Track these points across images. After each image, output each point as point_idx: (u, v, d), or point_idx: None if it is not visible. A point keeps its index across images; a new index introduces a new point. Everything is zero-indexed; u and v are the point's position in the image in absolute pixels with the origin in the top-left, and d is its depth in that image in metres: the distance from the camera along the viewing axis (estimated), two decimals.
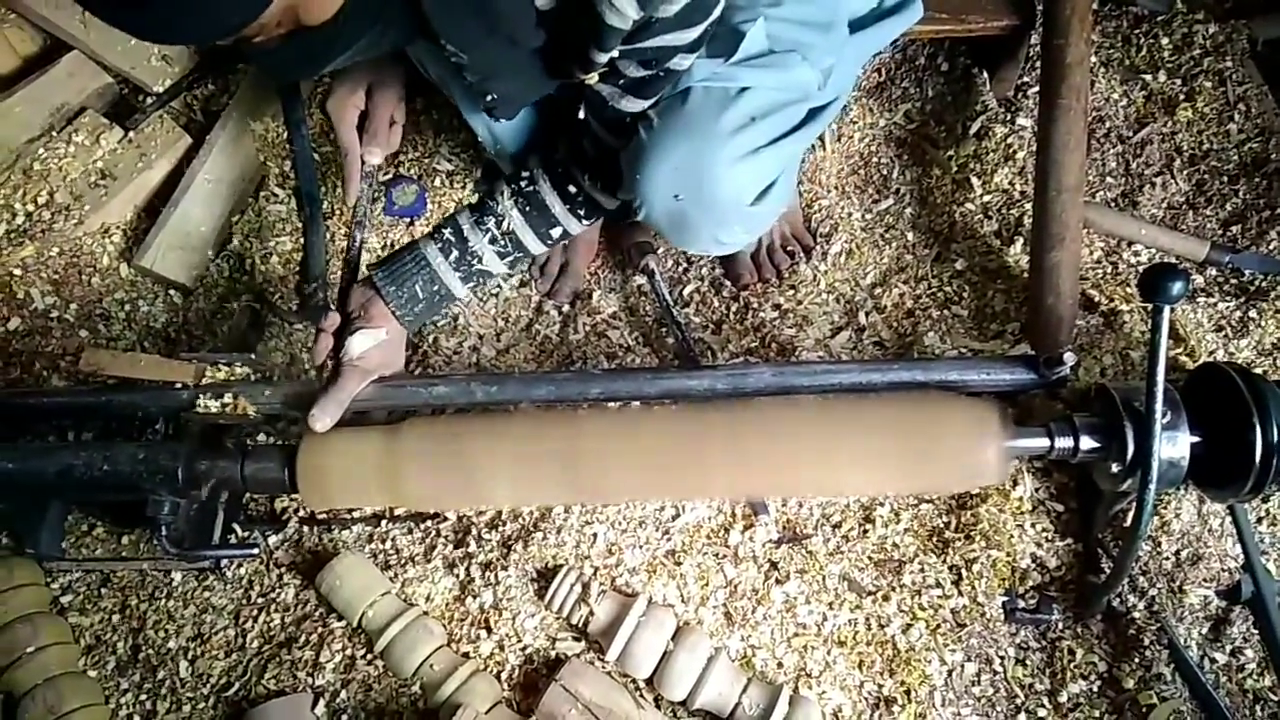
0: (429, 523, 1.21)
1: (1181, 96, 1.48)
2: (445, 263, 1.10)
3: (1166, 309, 0.94)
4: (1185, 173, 1.45)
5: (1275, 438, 0.95)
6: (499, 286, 1.43)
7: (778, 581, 1.14)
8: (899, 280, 1.38)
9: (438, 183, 1.51)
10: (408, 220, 1.48)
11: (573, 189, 1.09)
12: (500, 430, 1.06)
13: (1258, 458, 0.95)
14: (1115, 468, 0.99)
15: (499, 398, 1.10)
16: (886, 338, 1.34)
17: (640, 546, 1.17)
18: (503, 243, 1.10)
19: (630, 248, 1.43)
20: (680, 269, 1.45)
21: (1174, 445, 0.97)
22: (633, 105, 0.99)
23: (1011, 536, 1.13)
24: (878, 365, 1.08)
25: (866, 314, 1.36)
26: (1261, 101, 1.47)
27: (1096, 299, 1.31)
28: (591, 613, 1.09)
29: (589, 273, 1.45)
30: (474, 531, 1.19)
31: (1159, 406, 0.94)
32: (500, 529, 1.18)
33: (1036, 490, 1.16)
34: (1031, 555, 1.14)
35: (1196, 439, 0.99)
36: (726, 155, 0.96)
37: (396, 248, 1.45)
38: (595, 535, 1.17)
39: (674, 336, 1.34)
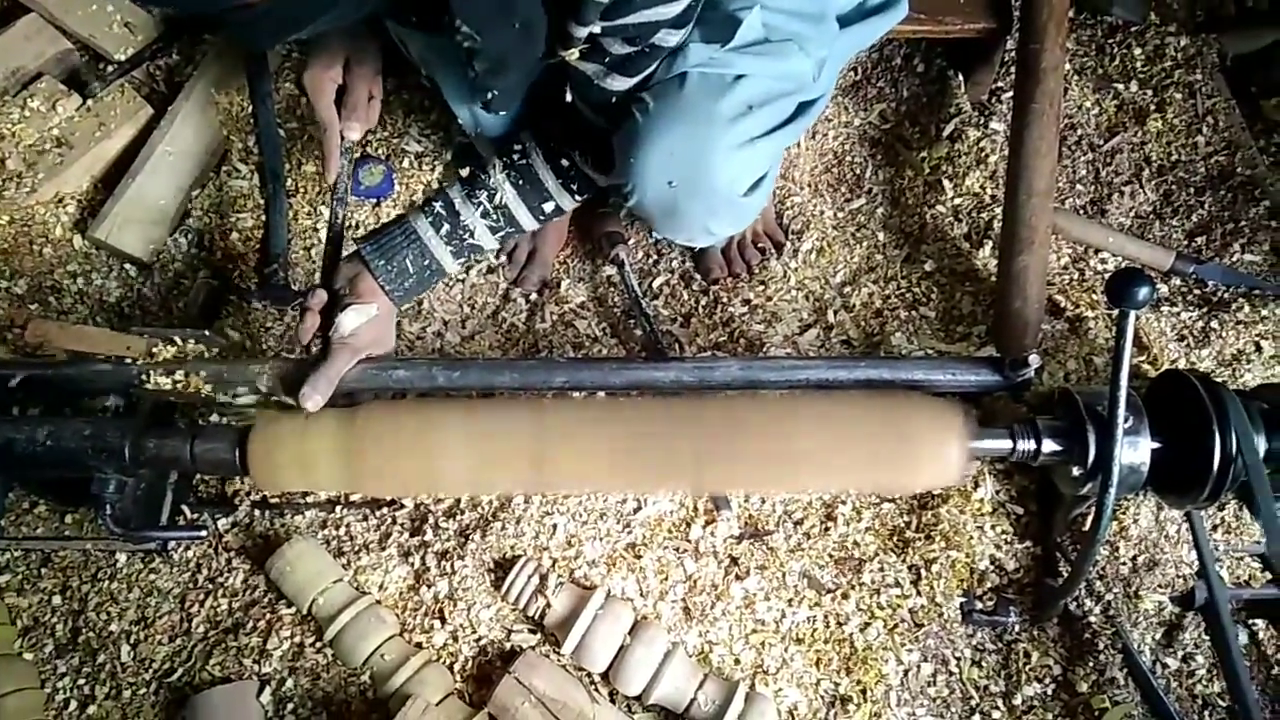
0: (385, 510, 1.18)
1: (1152, 107, 1.50)
2: (436, 236, 1.07)
3: (1132, 314, 0.94)
4: (1153, 183, 1.46)
5: (1233, 446, 0.95)
6: (487, 262, 1.41)
7: (737, 577, 1.13)
8: (868, 280, 1.38)
9: (406, 164, 1.48)
10: (374, 201, 1.45)
11: (565, 163, 1.07)
12: (460, 416, 1.03)
13: (1215, 465, 0.96)
14: (1076, 471, 1.00)
15: (461, 383, 1.08)
16: (854, 336, 1.33)
17: (600, 539, 1.15)
18: (495, 217, 1.08)
19: (601, 237, 1.41)
20: (650, 261, 1.44)
21: (1135, 451, 0.97)
22: (619, 84, 0.97)
23: (971, 538, 1.13)
24: (844, 362, 1.08)
25: (835, 312, 1.35)
26: (1229, 115, 1.49)
27: (1063, 304, 1.32)
28: (548, 605, 1.08)
29: (558, 262, 1.43)
30: (431, 520, 1.16)
31: (1121, 411, 0.94)
32: (458, 518, 1.16)
33: (997, 492, 1.16)
34: (990, 557, 1.14)
35: (1157, 445, 1.00)
36: (725, 142, 0.95)
37: (382, 223, 1.44)
38: (555, 526, 1.15)
39: (642, 328, 1.32)
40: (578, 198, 1.11)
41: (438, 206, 1.08)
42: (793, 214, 1.44)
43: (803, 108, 1.02)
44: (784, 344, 1.33)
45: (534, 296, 1.41)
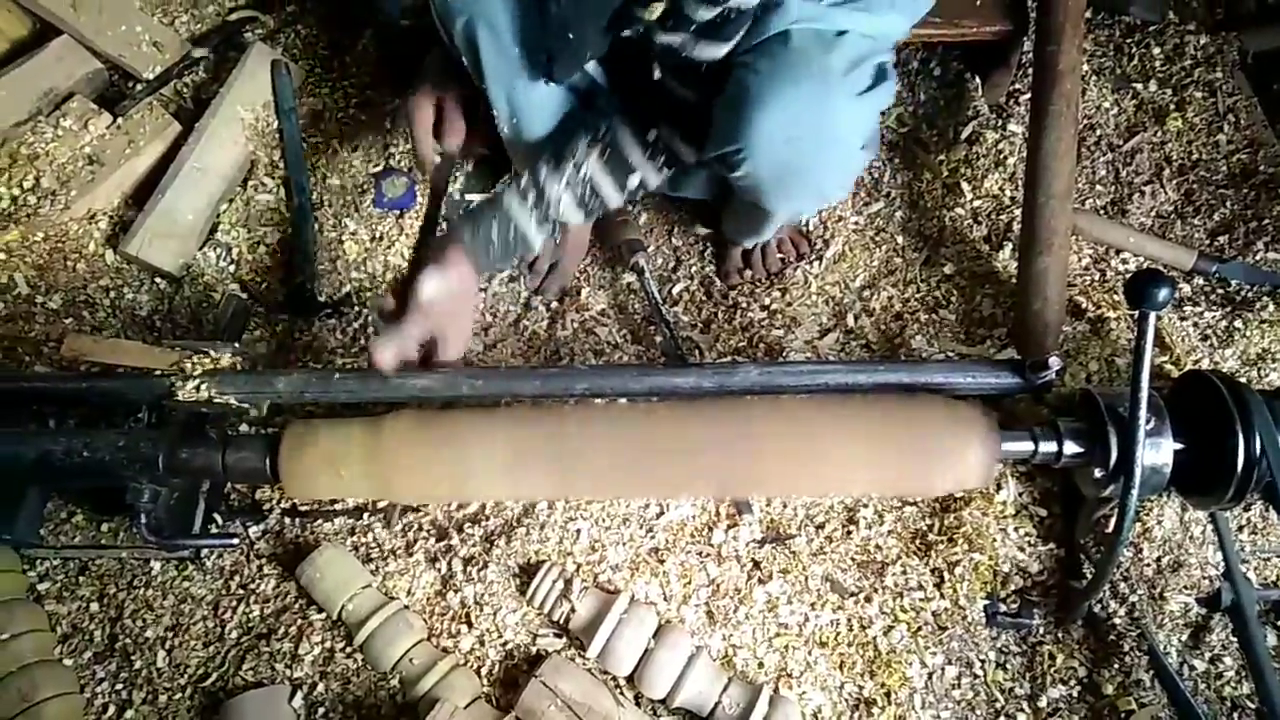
0: (411, 516, 1.20)
1: (1172, 106, 1.49)
2: (523, 208, 1.08)
3: (1152, 315, 0.94)
4: (1174, 182, 1.46)
5: (1257, 446, 0.95)
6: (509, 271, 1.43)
7: (760, 581, 1.14)
8: (888, 283, 1.38)
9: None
10: (397, 212, 1.48)
11: (652, 137, 1.07)
12: (487, 424, 1.05)
13: (1239, 466, 0.95)
14: (1098, 473, 1.00)
15: (485, 391, 1.10)
16: (874, 340, 1.34)
17: (623, 544, 1.16)
18: (580, 190, 1.08)
19: (620, 245, 1.43)
20: (670, 267, 1.45)
21: (1157, 452, 0.97)
22: (710, 51, 0.97)
23: (994, 540, 1.14)
24: (864, 366, 1.08)
25: (855, 316, 1.36)
26: (1250, 113, 1.48)
27: (1084, 305, 1.32)
28: (573, 609, 1.09)
29: (579, 270, 1.45)
30: (456, 526, 1.18)
31: (1143, 413, 0.94)
32: (483, 524, 1.18)
33: (1020, 495, 1.16)
34: (1013, 559, 1.14)
35: (1180, 446, 0.99)
36: (843, 92, 0.95)
37: (383, 238, 1.46)
38: (578, 532, 1.16)
39: (662, 334, 1.34)
40: (662, 173, 1.11)
41: (524, 181, 1.09)
42: (814, 220, 1.45)
43: (883, 70, 1.01)
44: (804, 349, 1.33)
45: (555, 305, 1.42)
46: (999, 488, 1.15)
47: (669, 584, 1.14)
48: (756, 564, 1.15)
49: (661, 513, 1.18)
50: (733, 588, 1.14)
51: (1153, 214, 1.44)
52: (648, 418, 1.05)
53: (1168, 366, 1.26)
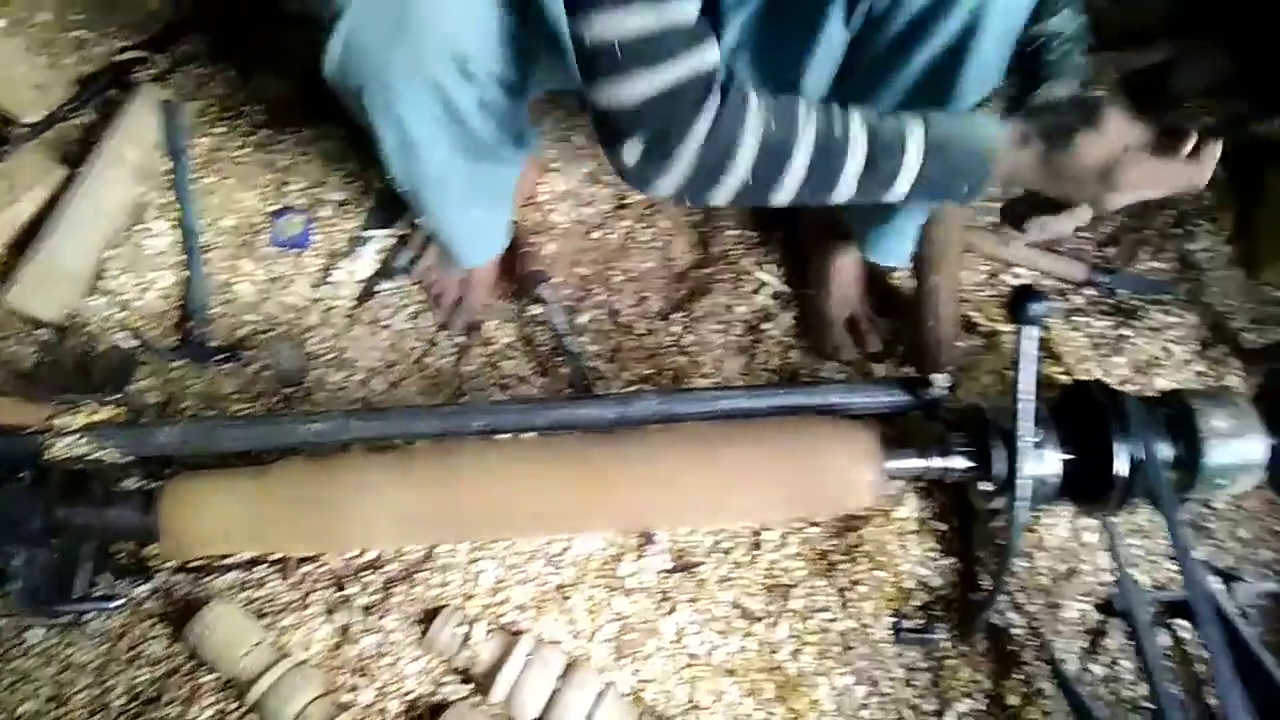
0: (308, 566, 1.16)
1: None
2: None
3: (1029, 328, 0.96)
4: None
5: (1138, 454, 0.97)
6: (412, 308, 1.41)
7: (669, 612, 1.13)
8: (792, 306, 1.40)
9: (328, 212, 1.48)
10: (295, 251, 1.45)
11: None
12: (377, 469, 1.02)
13: (1121, 473, 0.98)
14: (986, 487, 1.01)
15: (379, 433, 1.07)
16: (779, 365, 1.35)
17: (529, 582, 1.14)
18: None
19: (525, 276, 1.42)
20: (577, 297, 1.44)
21: (1042, 463, 0.99)
22: None
23: (896, 557, 1.14)
24: (761, 391, 1.08)
25: (759, 340, 1.37)
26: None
27: (978, 321, 1.35)
28: (476, 654, 1.06)
29: (486, 303, 1.43)
30: (355, 573, 1.15)
31: (1024, 425, 0.96)
32: (382, 570, 1.15)
33: (921, 510, 1.17)
34: (917, 575, 1.15)
35: (1068, 456, 1.02)
36: None
37: (279, 278, 1.43)
38: (482, 573, 1.14)
39: (569, 366, 1.33)
40: None
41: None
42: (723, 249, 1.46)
43: None
44: (712, 374, 1.34)
45: (461, 339, 1.41)
46: (899, 504, 1.16)
47: (576, 621, 1.12)
48: (665, 595, 1.14)
49: (567, 548, 1.17)
50: (641, 620, 1.13)
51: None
52: (546, 453, 1.04)
53: (1061, 376, 1.29)
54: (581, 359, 1.34)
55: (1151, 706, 1.07)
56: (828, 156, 0.84)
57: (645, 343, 1.38)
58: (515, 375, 1.35)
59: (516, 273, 1.43)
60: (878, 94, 1.00)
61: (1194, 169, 0.84)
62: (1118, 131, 0.84)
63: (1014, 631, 1.09)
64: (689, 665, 1.11)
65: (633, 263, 1.48)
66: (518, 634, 1.09)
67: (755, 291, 1.42)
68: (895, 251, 1.27)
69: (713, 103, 0.81)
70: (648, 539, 1.16)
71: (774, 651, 1.11)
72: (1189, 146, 0.83)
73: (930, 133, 0.85)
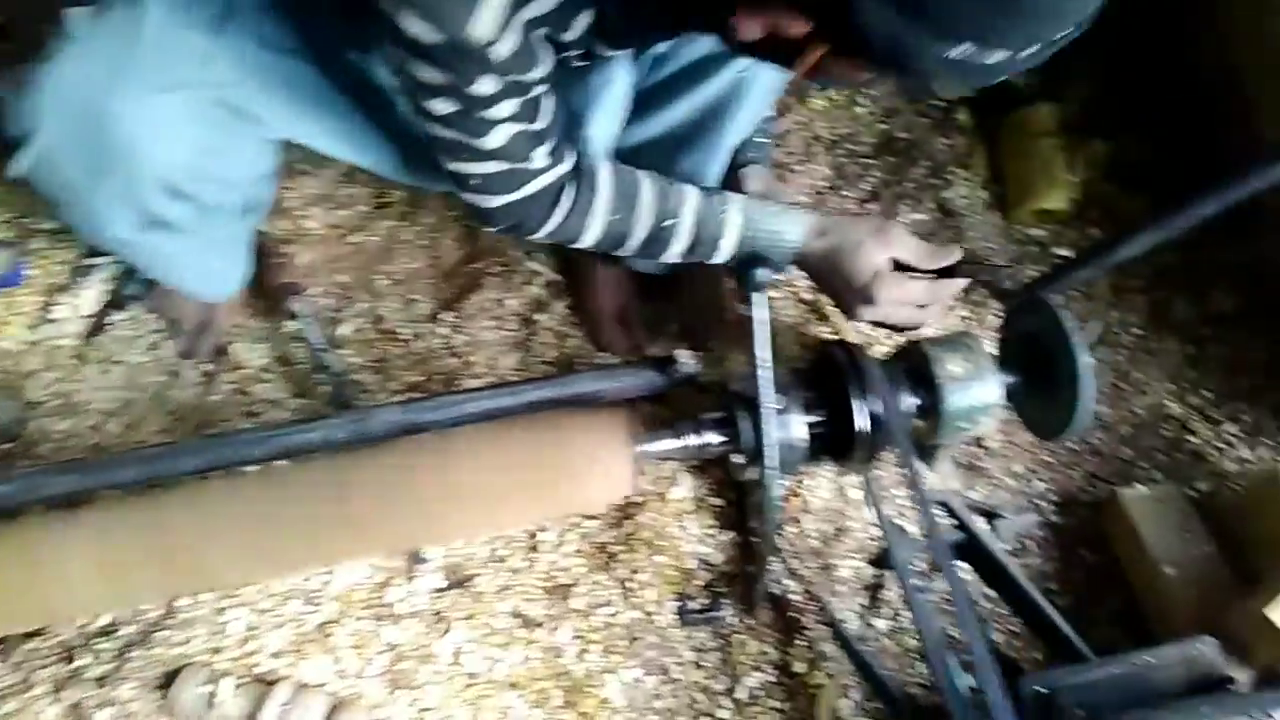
0: (34, 642, 1.03)
1: (815, 86, 1.55)
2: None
3: (757, 296, 0.94)
4: (825, 157, 1.52)
5: (878, 408, 0.98)
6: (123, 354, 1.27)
7: (444, 633, 1.06)
8: (562, 301, 1.34)
9: (41, 244, 1.33)
10: (4, 290, 1.29)
11: None
12: (75, 528, 0.91)
13: (863, 429, 0.98)
14: (739, 459, 0.99)
15: (79, 487, 0.95)
16: (554, 358, 1.30)
17: (286, 625, 1.05)
18: None
19: (276, 289, 1.31)
20: (336, 308, 1.35)
21: (789, 429, 0.98)
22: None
23: (676, 539, 1.12)
24: (509, 389, 1.03)
25: (535, 334, 1.31)
26: (882, 83, 1.57)
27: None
28: (225, 713, 0.96)
29: (235, 324, 1.32)
30: (85, 641, 1.02)
31: (765, 392, 0.94)
32: (117, 635, 1.03)
33: (696, 488, 1.15)
34: (698, 554, 1.13)
35: (815, 418, 1.01)
36: None
37: None
38: (230, 622, 1.04)
39: (329, 384, 1.24)
40: None
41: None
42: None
43: None
44: (487, 374, 1.28)
45: (208, 367, 1.29)
46: (673, 485, 1.13)
47: (342, 659, 1.04)
48: (439, 615, 1.07)
49: (328, 581, 1.08)
50: (414, 647, 1.06)
51: (810, 190, 1.49)
52: (264, 487, 0.95)
53: (832, 337, 1.30)
54: (343, 374, 1.25)
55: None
56: (657, 244, 0.98)
57: (414, 349, 1.30)
58: (268, 400, 1.25)
59: (267, 287, 1.32)
60: (653, 128, 1.10)
61: (931, 312, 1.00)
62: (898, 249, 0.98)
63: (792, 598, 1.09)
64: (470, 685, 1.05)
65: (397, 264, 1.39)
66: (274, 683, 1.00)
67: (527, 282, 1.36)
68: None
69: (565, 203, 0.93)
70: (417, 559, 1.09)
71: (558, 656, 1.07)
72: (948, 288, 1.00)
73: (746, 225, 0.98)
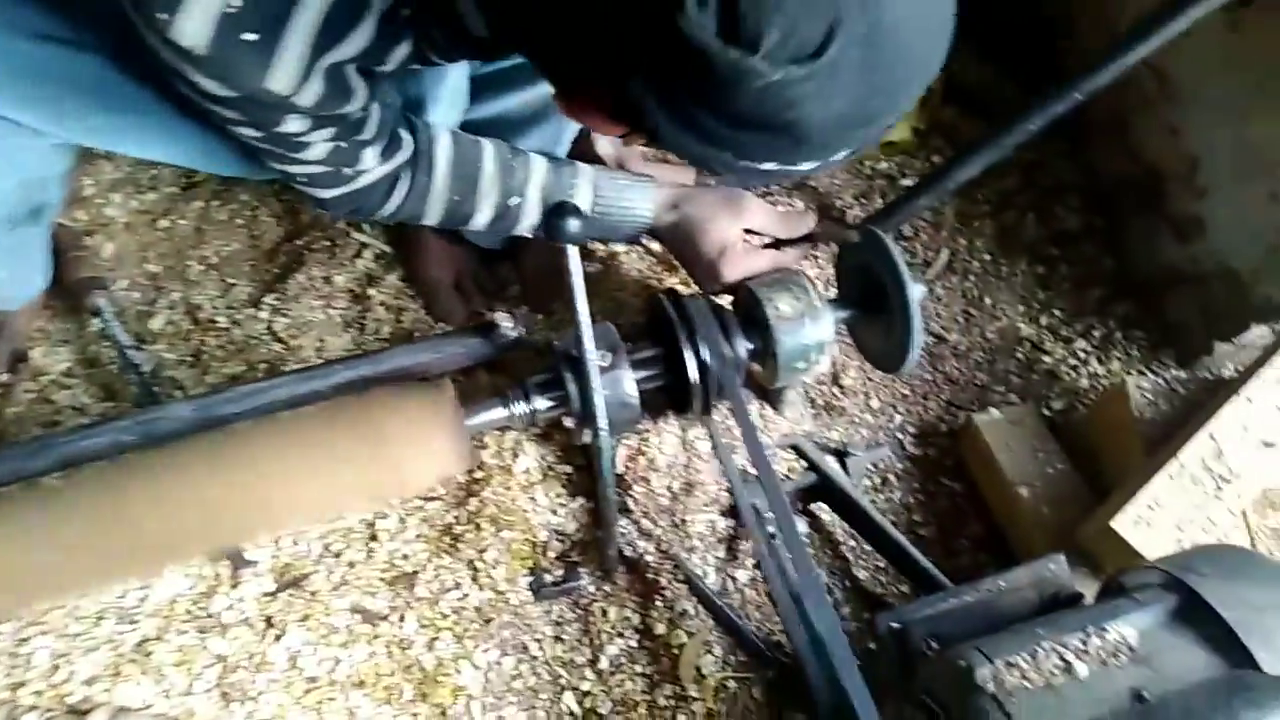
0: None
1: None
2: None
3: (570, 248, 0.88)
4: None
5: (706, 355, 0.93)
6: None
7: (277, 638, 0.99)
8: (396, 274, 1.26)
9: None
10: None
11: None
12: None
13: (695, 379, 0.94)
14: (570, 422, 0.94)
15: None
16: (391, 332, 1.22)
17: (98, 648, 0.96)
18: None
19: (77, 286, 1.20)
20: (148, 300, 1.24)
21: (618, 385, 0.93)
22: None
23: (526, 512, 1.06)
24: (318, 370, 0.95)
25: (367, 311, 1.23)
26: None
27: (594, 247, 1.28)
28: None
29: (35, 327, 1.20)
30: None
31: (588, 349, 0.88)
32: None
33: (542, 457, 1.10)
34: (549, 525, 1.08)
35: (647, 373, 0.97)
36: None
37: None
38: (34, 652, 0.94)
39: (134, 382, 1.13)
40: None
41: None
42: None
43: None
44: (317, 356, 1.19)
45: (4, 377, 1.17)
46: (516, 456, 1.08)
47: (166, 677, 0.96)
48: (269, 620, 1.00)
49: (146, 596, 0.99)
50: (245, 656, 0.98)
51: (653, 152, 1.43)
52: (38, 503, 0.85)
53: (681, 288, 1.25)
54: (155, 372, 1.15)
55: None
56: (505, 221, 0.98)
57: (234, 337, 1.20)
58: (73, 407, 1.14)
59: (67, 284, 1.20)
60: (506, 103, 1.09)
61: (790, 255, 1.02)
62: (750, 220, 1.00)
63: (648, 559, 1.05)
64: (310, 690, 0.98)
65: (212, 248, 1.29)
66: (88, 712, 0.91)
67: (356, 256, 1.28)
68: (491, 237, 1.20)
69: (401, 188, 0.92)
70: (241, 563, 1.01)
71: (406, 648, 1.01)
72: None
73: (595, 200, 0.99)
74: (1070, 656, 0.76)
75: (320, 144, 0.81)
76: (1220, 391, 1.11)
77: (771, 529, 1.02)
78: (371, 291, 1.24)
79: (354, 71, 0.75)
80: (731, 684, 1.01)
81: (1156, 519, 0.99)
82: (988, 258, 1.36)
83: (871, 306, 1.00)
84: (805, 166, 0.62)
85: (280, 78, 0.68)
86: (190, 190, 1.32)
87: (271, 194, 1.33)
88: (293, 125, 0.76)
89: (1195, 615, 0.78)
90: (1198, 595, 0.78)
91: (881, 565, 1.12)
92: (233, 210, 1.31)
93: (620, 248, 1.28)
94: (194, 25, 0.64)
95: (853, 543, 1.13)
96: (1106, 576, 1.02)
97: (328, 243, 1.28)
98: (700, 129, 0.57)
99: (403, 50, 0.77)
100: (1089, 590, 0.96)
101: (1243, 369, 1.14)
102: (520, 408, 0.94)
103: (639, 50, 0.55)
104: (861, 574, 1.12)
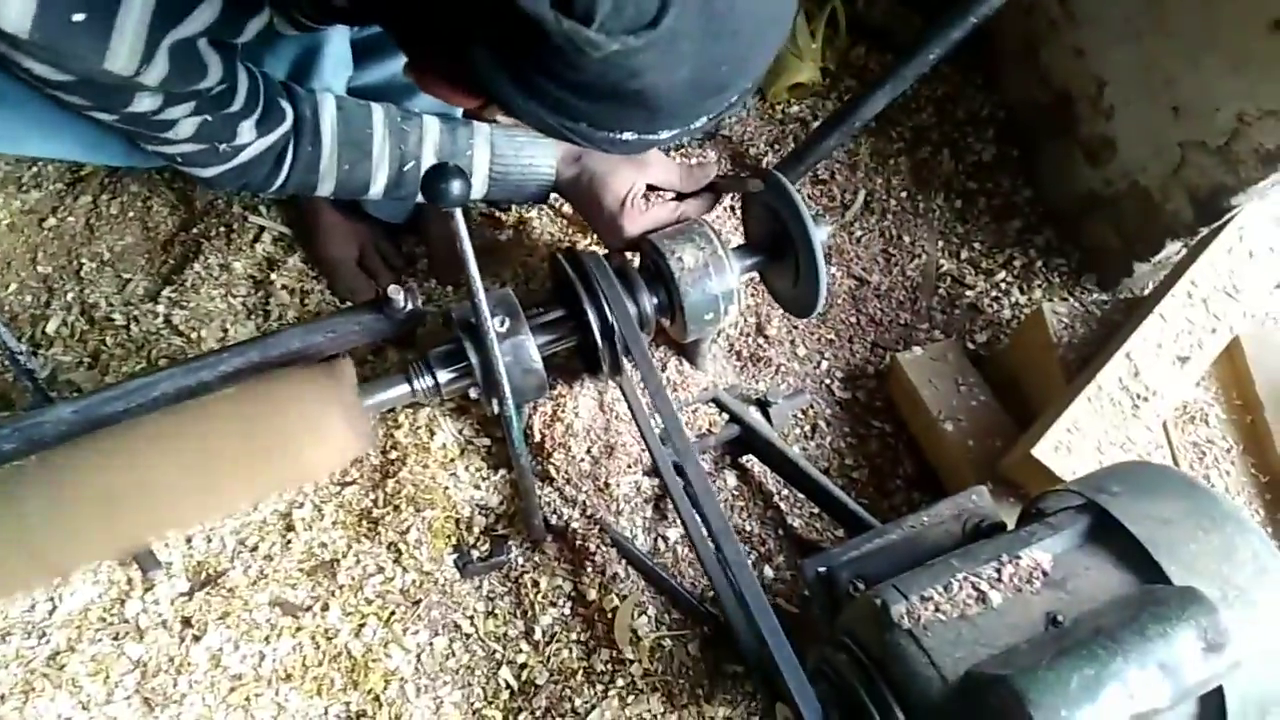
0: None
1: None
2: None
3: (455, 213, 0.85)
4: None
5: (608, 313, 0.91)
6: None
7: (196, 638, 0.96)
8: (296, 257, 1.22)
9: None
10: None
11: None
12: None
13: (597, 337, 0.91)
14: (475, 393, 0.92)
15: None
16: (295, 317, 1.18)
17: (9, 665, 0.93)
18: None
19: None
20: (41, 302, 1.18)
21: (520, 350, 0.90)
22: None
23: (446, 489, 1.04)
24: (204, 360, 0.91)
25: (271, 297, 1.19)
26: None
27: (501, 216, 1.25)
28: None
29: None
30: None
31: (483, 317, 0.85)
32: None
33: (460, 431, 1.07)
34: (472, 500, 1.05)
35: (550, 336, 0.94)
36: None
37: None
38: None
39: (28, 389, 1.08)
40: None
41: None
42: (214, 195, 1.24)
43: None
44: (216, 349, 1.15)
45: None
46: (433, 433, 1.05)
47: (82, 688, 0.93)
48: (187, 621, 0.97)
49: (54, 608, 0.96)
50: (165, 659, 0.95)
51: None
52: None
53: (596, 247, 1.23)
54: (53, 376, 1.10)
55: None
56: (403, 187, 0.96)
57: (132, 334, 1.16)
58: None
59: None
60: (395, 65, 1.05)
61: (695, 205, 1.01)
62: (652, 174, 0.98)
63: (574, 526, 1.03)
64: (236, 688, 0.95)
65: (105, 243, 1.23)
66: None
67: (255, 240, 1.23)
68: (394, 209, 1.16)
69: (288, 160, 0.90)
70: (145, 567, 0.97)
71: (331, 638, 0.98)
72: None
73: (495, 159, 0.97)
74: (984, 586, 0.76)
75: (185, 121, 0.78)
76: (1136, 311, 1.11)
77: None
78: (273, 276, 1.20)
79: (207, 45, 0.71)
80: (667, 643, 1.00)
81: (1076, 443, 1.00)
82: (904, 195, 1.34)
83: (778, 252, 0.98)
84: (665, 135, 0.61)
85: (119, 59, 0.65)
86: (77, 185, 1.26)
87: (163, 183, 1.27)
88: (145, 104, 0.73)
89: (1107, 534, 0.78)
90: (1109, 514, 0.78)
91: (816, 512, 1.12)
92: (124, 203, 1.25)
93: (532, 212, 1.25)
94: (15, 9, 0.60)
95: (786, 492, 1.13)
96: (1025, 503, 1.02)
97: (224, 229, 1.23)
98: (549, 99, 0.56)
99: (259, 22, 0.74)
100: (1016, 519, 0.96)
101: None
102: (423, 382, 0.91)
103: (478, 21, 0.53)
104: (796, 522, 1.12)
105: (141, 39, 0.64)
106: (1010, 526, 0.94)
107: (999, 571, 0.77)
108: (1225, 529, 0.76)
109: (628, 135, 0.60)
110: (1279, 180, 1.05)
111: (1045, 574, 0.77)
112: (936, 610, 0.75)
